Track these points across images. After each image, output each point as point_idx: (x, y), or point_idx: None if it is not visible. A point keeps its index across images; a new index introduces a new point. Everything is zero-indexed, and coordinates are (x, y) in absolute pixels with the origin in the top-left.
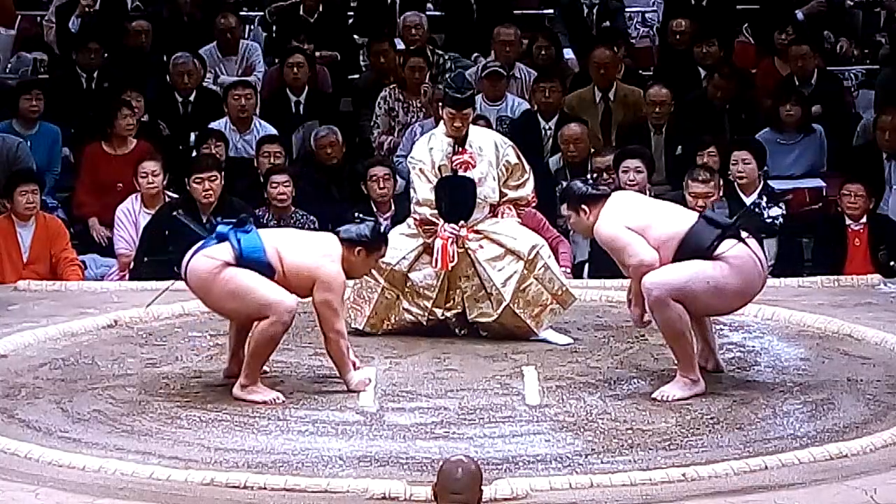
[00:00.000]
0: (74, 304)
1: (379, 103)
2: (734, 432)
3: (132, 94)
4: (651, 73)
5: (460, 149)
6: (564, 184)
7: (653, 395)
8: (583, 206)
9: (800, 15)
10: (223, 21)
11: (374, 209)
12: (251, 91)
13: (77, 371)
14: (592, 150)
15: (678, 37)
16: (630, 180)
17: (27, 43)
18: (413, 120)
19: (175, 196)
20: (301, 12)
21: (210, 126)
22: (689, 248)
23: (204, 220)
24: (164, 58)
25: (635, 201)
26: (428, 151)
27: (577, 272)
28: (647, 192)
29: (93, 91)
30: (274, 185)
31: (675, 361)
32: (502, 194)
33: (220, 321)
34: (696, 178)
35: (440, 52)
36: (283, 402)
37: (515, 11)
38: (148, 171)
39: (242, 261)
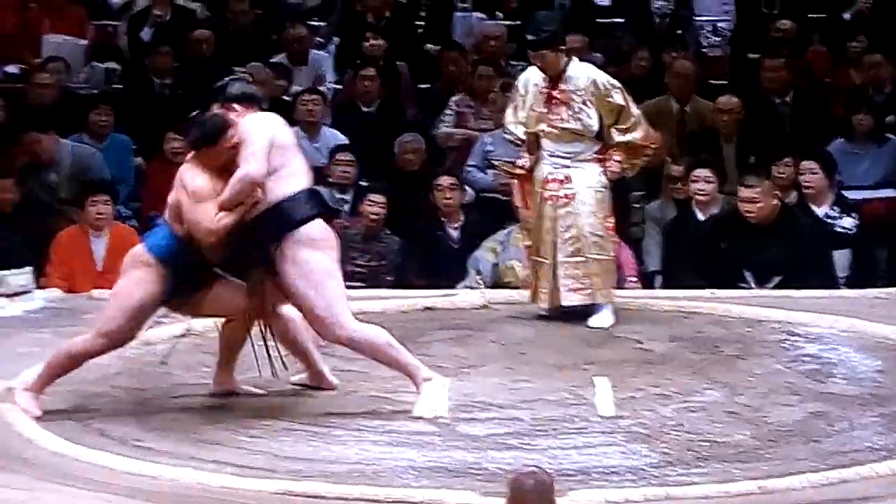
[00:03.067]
0: None
1: (450, 105)
2: (810, 445)
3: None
4: (722, 82)
5: (551, 84)
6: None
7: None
8: (234, 105)
9: (847, 16)
10: (293, 31)
11: (443, 218)
12: (318, 97)
13: (151, 380)
14: (668, 158)
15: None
16: (700, 189)
17: (99, 52)
18: (483, 127)
19: None
20: (369, 20)
21: None
22: (279, 212)
23: None
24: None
25: (284, 125)
26: (526, 81)
27: (648, 282)
28: (717, 203)
29: (166, 98)
30: (370, 203)
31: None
32: (611, 137)
33: None
34: (744, 182)
35: (512, 62)
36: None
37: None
38: None
39: (158, 258)
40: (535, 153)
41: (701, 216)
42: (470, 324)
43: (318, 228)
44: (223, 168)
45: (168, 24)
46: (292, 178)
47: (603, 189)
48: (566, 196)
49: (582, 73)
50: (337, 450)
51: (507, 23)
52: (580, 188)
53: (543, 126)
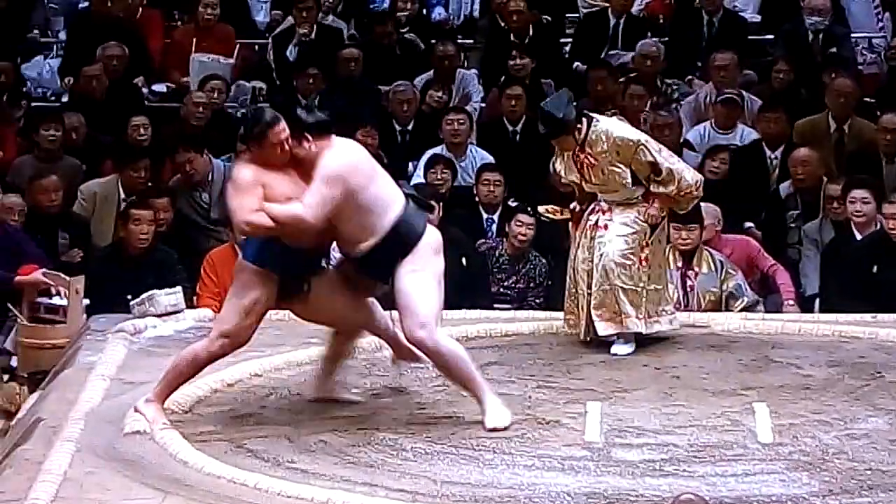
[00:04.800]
0: (299, 333)
1: None
2: None
3: (366, 130)
4: (878, 100)
5: (578, 149)
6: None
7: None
8: (306, 135)
9: None
10: (441, 49)
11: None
12: (464, 116)
13: (302, 401)
14: (825, 177)
15: None
16: (857, 211)
17: (246, 72)
18: None
19: None
20: (513, 38)
21: (433, 152)
22: (401, 234)
23: None
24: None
25: (364, 153)
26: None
27: (807, 306)
28: (876, 225)
29: None
30: (519, 223)
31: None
32: (649, 187)
33: None
34: (891, 199)
35: (667, 80)
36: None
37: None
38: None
39: (255, 263)
40: (581, 195)
41: (860, 237)
42: None
43: (433, 235)
44: (276, 165)
45: (313, 42)
46: (391, 205)
47: (640, 223)
48: (605, 225)
49: (603, 135)
50: (489, 474)
51: (659, 39)
52: (617, 218)
53: (583, 184)
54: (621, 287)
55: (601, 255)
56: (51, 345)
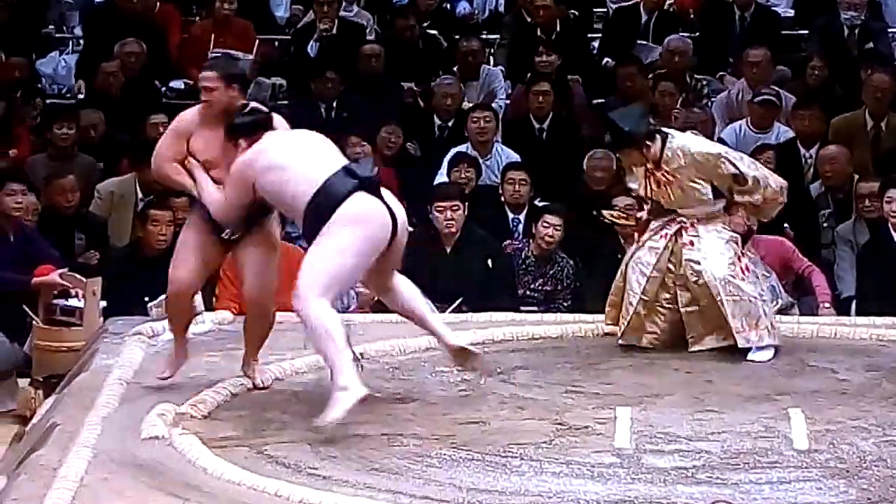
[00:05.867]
0: None
1: None
2: None
3: (390, 128)
4: None
5: (654, 166)
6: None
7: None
8: (240, 141)
9: None
10: (465, 45)
11: (623, 240)
12: (490, 114)
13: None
14: (857, 175)
15: None
16: (893, 211)
17: (265, 68)
18: None
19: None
20: (539, 33)
21: (458, 150)
22: (322, 198)
23: (448, 251)
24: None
25: (287, 139)
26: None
27: (843, 308)
28: None
29: (332, 120)
30: (546, 224)
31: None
32: (733, 199)
33: None
34: None
35: (698, 76)
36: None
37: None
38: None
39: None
40: (654, 208)
41: None
42: (653, 351)
43: (358, 204)
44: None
45: (334, 38)
46: (314, 180)
47: (728, 232)
48: (690, 242)
49: (680, 152)
50: (516, 481)
51: (690, 35)
52: (704, 234)
53: (660, 200)
54: (734, 300)
55: (698, 273)
56: (67, 348)
